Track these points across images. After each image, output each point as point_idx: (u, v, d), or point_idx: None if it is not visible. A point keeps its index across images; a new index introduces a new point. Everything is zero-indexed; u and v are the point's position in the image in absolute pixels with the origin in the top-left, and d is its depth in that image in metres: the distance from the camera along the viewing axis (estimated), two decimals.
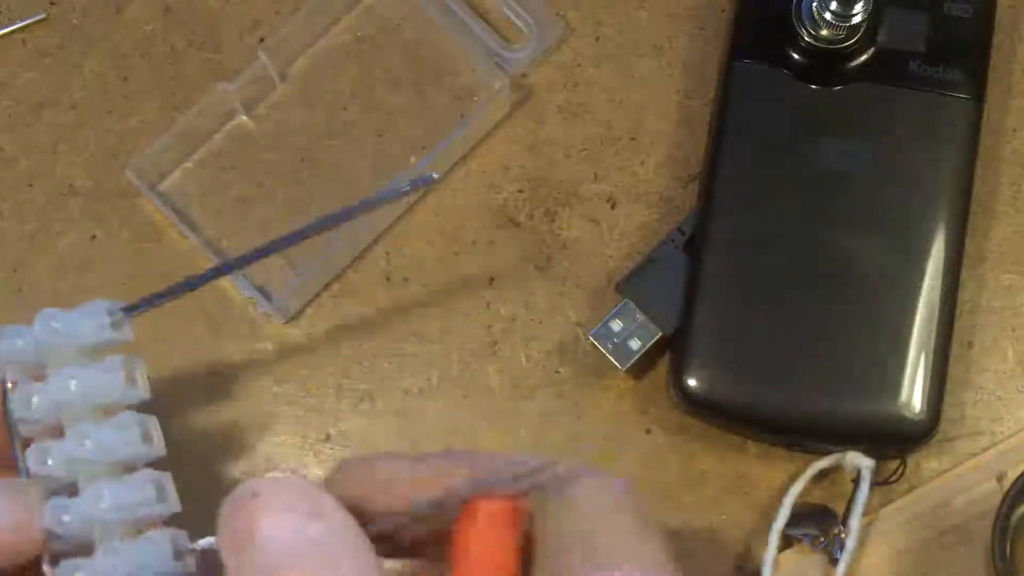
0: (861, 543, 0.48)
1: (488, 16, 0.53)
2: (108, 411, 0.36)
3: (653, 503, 0.49)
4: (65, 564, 0.34)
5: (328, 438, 0.50)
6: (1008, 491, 0.47)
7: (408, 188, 0.39)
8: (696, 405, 0.48)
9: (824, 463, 0.48)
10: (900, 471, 0.48)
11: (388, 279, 0.51)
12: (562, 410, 0.50)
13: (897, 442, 0.48)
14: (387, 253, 0.51)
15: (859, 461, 0.47)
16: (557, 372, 0.50)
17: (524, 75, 0.52)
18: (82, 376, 0.36)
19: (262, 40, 0.53)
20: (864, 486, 0.47)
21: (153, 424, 0.37)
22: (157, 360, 0.50)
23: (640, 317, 0.48)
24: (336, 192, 0.51)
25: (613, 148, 0.52)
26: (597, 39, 0.53)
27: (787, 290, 0.48)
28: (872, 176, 0.48)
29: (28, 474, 0.35)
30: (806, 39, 0.48)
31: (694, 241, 0.48)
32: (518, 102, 0.52)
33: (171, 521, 0.36)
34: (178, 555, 0.35)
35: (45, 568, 0.35)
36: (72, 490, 0.35)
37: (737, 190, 0.48)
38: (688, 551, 0.49)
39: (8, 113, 0.53)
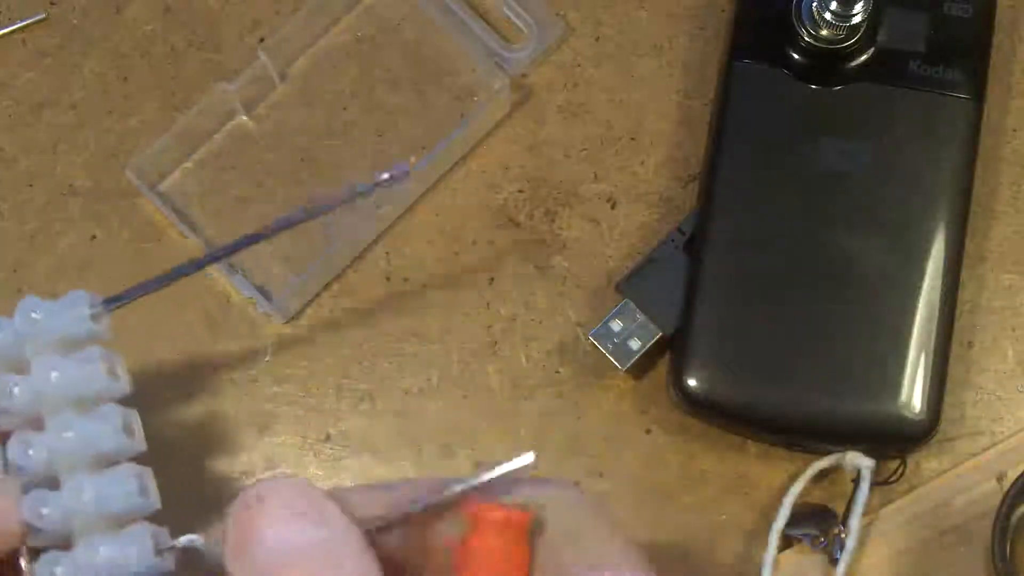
0: (861, 543, 0.48)
1: (488, 16, 0.53)
2: (89, 404, 0.36)
3: (653, 503, 0.49)
4: (45, 557, 0.34)
5: (328, 438, 0.50)
6: (1008, 491, 0.47)
7: (386, 179, 0.39)
8: (696, 405, 0.48)
9: (824, 463, 0.48)
10: (900, 471, 0.48)
11: (388, 279, 0.51)
12: (562, 410, 0.50)
13: (897, 442, 0.48)
14: (387, 253, 0.51)
15: (859, 461, 0.47)
16: (557, 372, 0.50)
17: (524, 75, 0.52)
18: (64, 367, 0.36)
19: (262, 40, 0.53)
20: (864, 486, 0.47)
21: (134, 418, 0.37)
22: (157, 360, 0.50)
23: (640, 317, 0.48)
24: (336, 192, 0.51)
25: (613, 148, 0.52)
26: (597, 39, 0.53)
27: (787, 290, 0.48)
28: (872, 176, 0.48)
29: (6, 467, 0.35)
30: (806, 39, 0.48)
31: (694, 241, 0.48)
32: (518, 102, 0.52)
33: (155, 518, 0.35)
34: (158, 552, 0.34)
35: (22, 563, 0.34)
36: (52, 484, 0.35)
37: (737, 190, 0.48)
38: (688, 551, 0.49)
39: (8, 113, 0.53)
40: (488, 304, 0.51)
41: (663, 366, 0.49)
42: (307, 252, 0.51)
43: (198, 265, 0.40)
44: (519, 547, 0.31)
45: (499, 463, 0.32)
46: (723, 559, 0.49)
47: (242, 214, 0.51)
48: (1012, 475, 0.48)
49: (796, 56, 0.49)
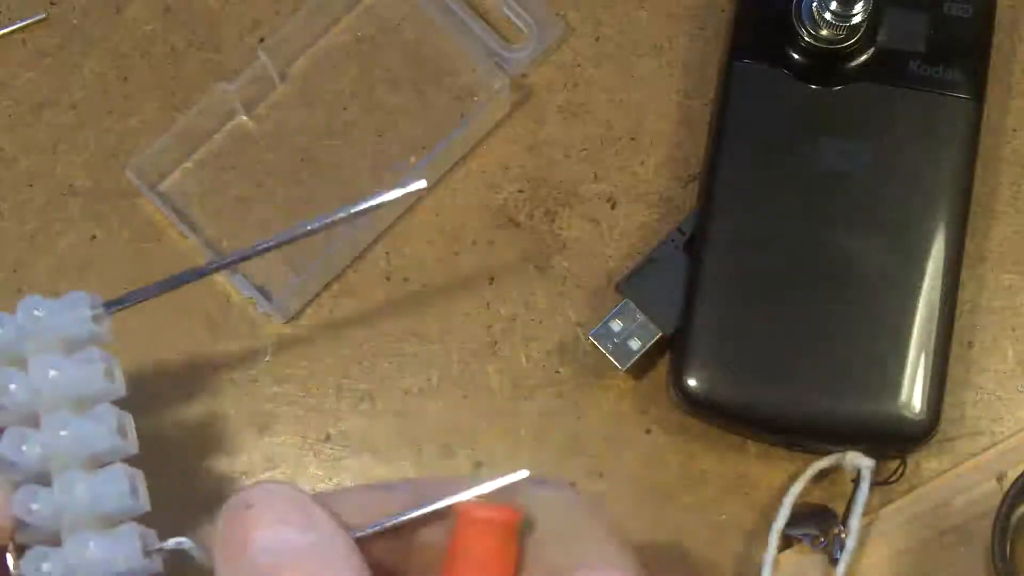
0: (861, 543, 0.48)
1: (488, 16, 0.53)
2: (86, 404, 0.36)
3: (653, 503, 0.49)
4: (31, 553, 0.34)
5: (328, 438, 0.50)
6: (1008, 491, 0.47)
7: (398, 195, 0.39)
8: (696, 405, 0.48)
9: (824, 463, 0.48)
10: (900, 471, 0.48)
11: (388, 279, 0.51)
12: (562, 410, 0.50)
13: (897, 442, 0.48)
14: (387, 253, 0.51)
15: (859, 461, 0.47)
16: (557, 372, 0.50)
17: (524, 75, 0.52)
18: (62, 366, 0.36)
19: (262, 40, 0.53)
20: (864, 486, 0.47)
21: (128, 420, 0.37)
22: (157, 359, 0.50)
23: (640, 317, 0.48)
24: (336, 192, 0.51)
25: (613, 148, 0.52)
26: (597, 39, 0.53)
27: (787, 290, 0.48)
28: (872, 176, 0.48)
29: None
30: (806, 39, 0.48)
31: (694, 241, 0.48)
32: (518, 102, 0.52)
33: (153, 517, 0.35)
34: (146, 553, 0.34)
35: (9, 559, 0.34)
36: (44, 482, 0.35)
37: (737, 190, 0.48)
38: (688, 551, 0.49)
39: (8, 113, 0.53)
40: (488, 304, 0.51)
41: (663, 366, 0.49)
42: (307, 252, 0.51)
43: (201, 273, 0.40)
44: (506, 546, 0.31)
45: (493, 476, 0.32)
46: (723, 559, 0.49)
47: (242, 214, 0.51)
48: (1012, 475, 0.48)
49: (796, 56, 0.49)
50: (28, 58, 0.53)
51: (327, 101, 0.52)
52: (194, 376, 0.50)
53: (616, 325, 0.48)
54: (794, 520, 0.48)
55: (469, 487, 0.32)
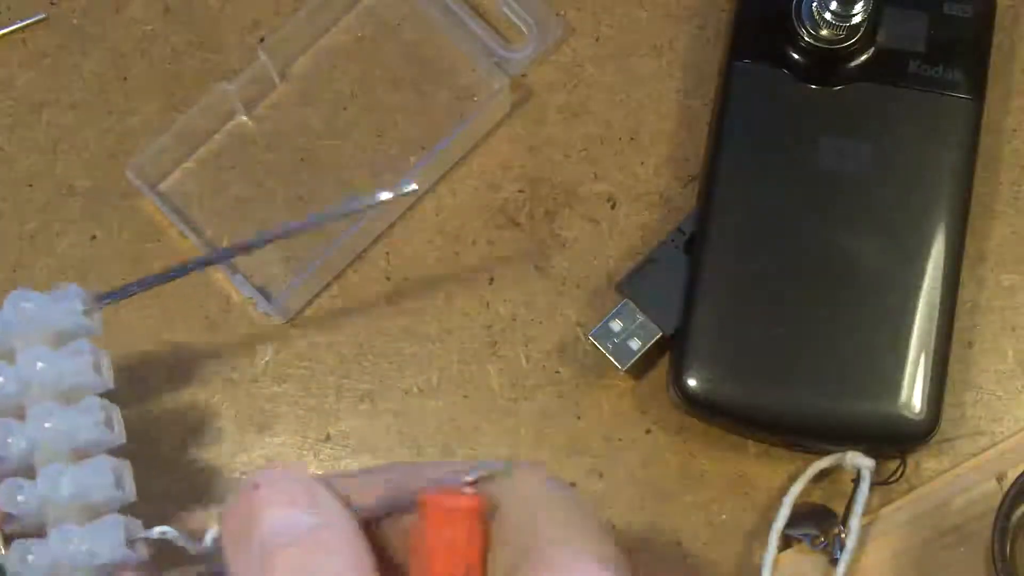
0: (861, 543, 0.48)
1: (488, 16, 0.53)
2: (73, 396, 0.36)
3: (653, 503, 0.49)
4: (17, 544, 0.34)
5: (328, 438, 0.50)
6: (1008, 491, 0.47)
7: (387, 198, 0.39)
8: (696, 405, 0.48)
9: (824, 463, 0.48)
10: (900, 471, 0.48)
11: (388, 279, 0.51)
12: (562, 410, 0.50)
13: (897, 442, 0.48)
14: (387, 253, 0.51)
15: (859, 461, 0.47)
16: (557, 372, 0.50)
17: (524, 75, 0.52)
18: (50, 358, 0.36)
19: (262, 40, 0.53)
20: (864, 486, 0.47)
21: (115, 412, 0.37)
22: (157, 359, 0.50)
23: (640, 317, 0.48)
24: (336, 192, 0.51)
25: (613, 148, 0.52)
26: (597, 39, 0.53)
27: (787, 290, 0.48)
28: (872, 176, 0.48)
29: None
30: (806, 39, 0.48)
31: (694, 241, 0.48)
32: (518, 102, 0.52)
33: (152, 514, 0.36)
34: (131, 542, 0.35)
35: None
36: (29, 474, 0.35)
37: (737, 190, 0.48)
38: (688, 551, 0.49)
39: (8, 113, 0.53)
40: (488, 304, 0.51)
41: (663, 366, 0.49)
42: (307, 252, 0.51)
43: (193, 266, 0.40)
44: (469, 532, 0.31)
45: (481, 463, 0.32)
46: (723, 559, 0.49)
47: (242, 214, 0.51)
48: (1012, 475, 0.48)
49: (796, 56, 0.49)
50: (28, 58, 0.53)
51: (327, 101, 0.52)
52: (194, 376, 0.50)
53: (616, 325, 0.48)
54: (794, 520, 0.48)
55: (448, 471, 0.32)
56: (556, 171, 0.52)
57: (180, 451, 0.50)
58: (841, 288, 0.47)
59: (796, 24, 0.48)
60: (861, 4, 0.47)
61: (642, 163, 0.52)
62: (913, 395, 0.47)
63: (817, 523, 0.48)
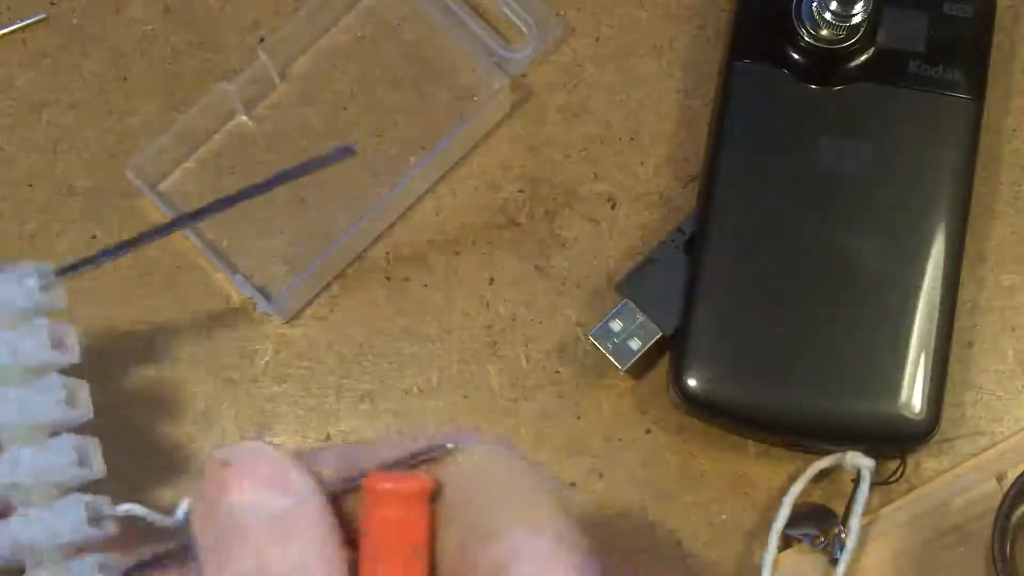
0: (861, 543, 0.48)
1: (488, 16, 0.53)
2: (32, 375, 0.36)
3: (653, 503, 0.49)
4: None
5: (328, 438, 0.50)
6: (1008, 491, 0.47)
7: (329, 159, 0.39)
8: (696, 405, 0.48)
9: (824, 463, 0.48)
10: (900, 471, 0.48)
11: (388, 279, 0.51)
12: (562, 410, 0.50)
13: (897, 442, 0.48)
14: (387, 253, 0.51)
15: (859, 461, 0.47)
16: (557, 372, 0.50)
17: (524, 75, 0.52)
18: (6, 339, 0.36)
19: (262, 40, 0.53)
20: (864, 486, 0.47)
21: (81, 388, 0.37)
22: (157, 359, 0.50)
23: (640, 317, 0.48)
24: (336, 192, 0.51)
25: (613, 148, 0.52)
26: (597, 39, 0.53)
27: (787, 290, 0.48)
28: (872, 176, 0.48)
29: None
30: (806, 39, 0.48)
31: (694, 241, 0.48)
32: (518, 102, 0.52)
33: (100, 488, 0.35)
34: (95, 521, 0.35)
35: None
36: None
37: (737, 190, 0.48)
38: (688, 551, 0.49)
39: (8, 113, 0.53)
40: (488, 304, 0.51)
41: (663, 366, 0.49)
42: (307, 252, 0.51)
43: (155, 234, 0.40)
44: (413, 514, 0.31)
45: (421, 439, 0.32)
46: (723, 559, 0.49)
47: (242, 214, 0.51)
48: (1012, 475, 0.48)
49: (796, 56, 0.49)
50: (28, 58, 0.53)
51: (327, 101, 0.52)
52: (194, 376, 0.50)
53: (616, 325, 0.48)
54: (794, 520, 0.48)
55: (400, 450, 0.32)
56: (556, 171, 0.52)
57: (179, 451, 0.50)
58: (841, 288, 0.47)
59: (796, 24, 0.48)
60: (861, 4, 0.47)
61: (642, 163, 0.52)
62: (913, 395, 0.47)
63: (817, 523, 0.48)
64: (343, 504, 0.33)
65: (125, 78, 0.53)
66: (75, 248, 0.51)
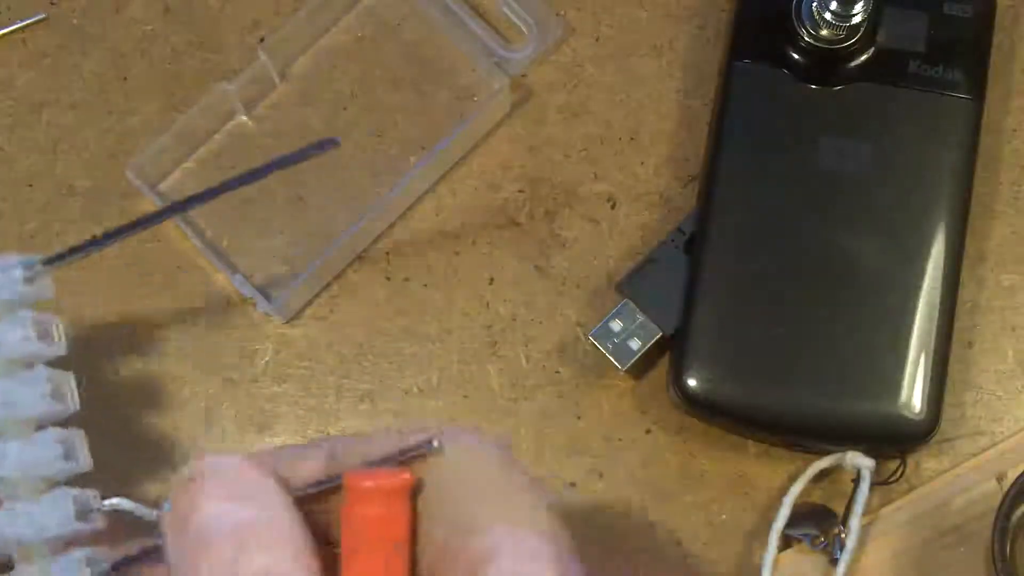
0: (861, 543, 0.48)
1: (488, 16, 0.53)
2: (18, 367, 0.36)
3: (653, 503, 0.49)
4: None
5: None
6: (1008, 491, 0.47)
7: (311, 152, 0.39)
8: (696, 405, 0.48)
9: (824, 463, 0.48)
10: (900, 471, 0.48)
11: (388, 279, 0.51)
12: (562, 410, 0.50)
13: (897, 442, 0.48)
14: (387, 253, 0.51)
15: (859, 461, 0.47)
16: (557, 372, 0.50)
17: (524, 75, 0.52)
18: None
19: (262, 40, 0.53)
20: (864, 486, 0.47)
21: (67, 381, 0.36)
22: (157, 359, 0.50)
23: (640, 317, 0.48)
24: (336, 192, 0.51)
25: (613, 148, 0.52)
26: (597, 39, 0.53)
27: (787, 290, 0.48)
28: (872, 176, 0.48)
29: None
30: (806, 39, 0.48)
31: (694, 241, 0.48)
32: (518, 102, 0.52)
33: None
34: (83, 514, 0.34)
35: None
36: None
37: (737, 190, 0.48)
38: (688, 551, 0.49)
39: (8, 113, 0.53)
40: (488, 304, 0.51)
41: (663, 366, 0.49)
42: (307, 252, 0.51)
43: (143, 223, 0.40)
44: (394, 511, 0.31)
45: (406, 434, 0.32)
46: (723, 559, 0.49)
47: (242, 214, 0.51)
48: (1012, 475, 0.48)
49: (796, 56, 0.49)
50: (28, 58, 0.53)
51: (327, 101, 0.52)
52: (194, 376, 0.50)
53: (616, 325, 0.48)
54: (794, 520, 0.48)
55: (384, 445, 0.32)
56: (556, 171, 0.52)
57: (179, 451, 0.50)
58: (841, 288, 0.47)
59: (796, 24, 0.48)
60: (861, 4, 0.47)
61: (642, 163, 0.52)
62: (913, 395, 0.47)
63: (817, 523, 0.48)
64: (326, 502, 0.33)
65: (125, 78, 0.53)
66: None
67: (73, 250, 0.38)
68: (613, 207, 0.51)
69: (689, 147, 0.52)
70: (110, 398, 0.50)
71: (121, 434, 0.49)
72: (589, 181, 0.52)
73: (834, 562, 0.47)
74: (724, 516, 0.49)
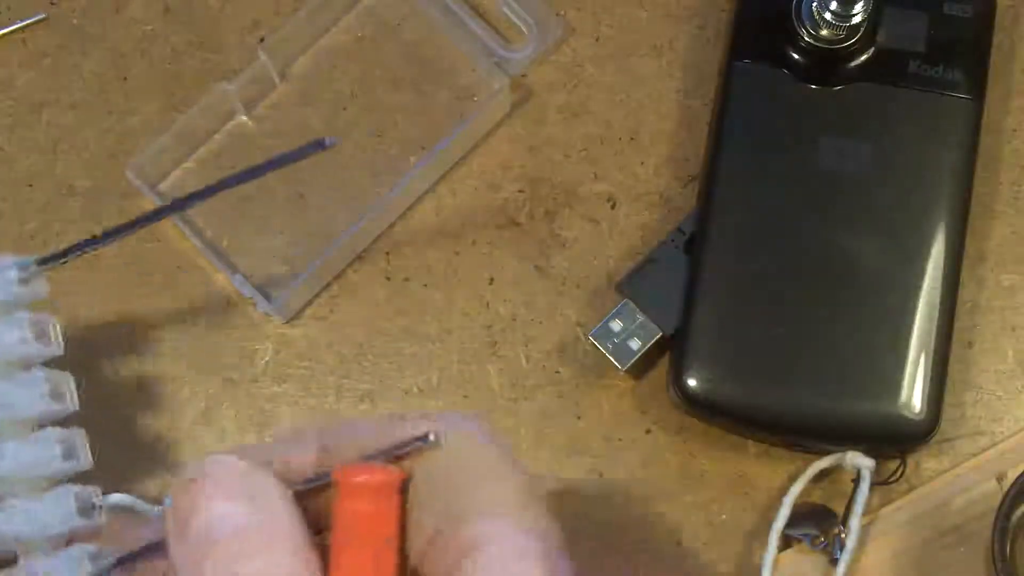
0: (861, 543, 0.48)
1: (488, 16, 0.53)
2: (15, 368, 0.36)
3: (653, 503, 0.49)
4: None
5: None
6: (1008, 491, 0.47)
7: (304, 152, 0.39)
8: (696, 405, 0.48)
9: (824, 463, 0.48)
10: (900, 471, 0.48)
11: (388, 279, 0.51)
12: (562, 410, 0.50)
13: (897, 442, 0.48)
14: (387, 253, 0.51)
15: (859, 461, 0.47)
16: (557, 372, 0.50)
17: (524, 75, 0.52)
18: None
19: (262, 40, 0.53)
20: (864, 486, 0.47)
21: (66, 381, 0.37)
22: (156, 360, 0.50)
23: (640, 317, 0.48)
24: (336, 192, 0.51)
25: (613, 148, 0.52)
26: (597, 39, 0.53)
27: (787, 290, 0.48)
28: (872, 176, 0.48)
29: None
30: (806, 39, 0.48)
31: (694, 241, 0.48)
32: (518, 102, 0.52)
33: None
34: (85, 511, 0.35)
35: None
36: None
37: (737, 190, 0.48)
38: (688, 551, 0.49)
39: (8, 113, 0.53)
40: (488, 304, 0.51)
41: (663, 366, 0.49)
42: (307, 252, 0.51)
43: (141, 222, 0.40)
44: (383, 506, 0.31)
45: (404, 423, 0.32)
46: (723, 559, 0.49)
47: (242, 214, 0.51)
48: (1012, 475, 0.48)
49: (796, 56, 0.49)
50: (28, 58, 0.53)
51: (327, 101, 0.52)
52: (193, 376, 0.50)
53: (616, 325, 0.48)
54: (794, 520, 0.48)
55: (377, 431, 0.32)
56: (556, 171, 0.52)
57: (178, 452, 0.50)
58: (841, 288, 0.47)
59: (796, 24, 0.48)
60: (861, 4, 0.47)
61: (642, 163, 0.52)
62: (913, 395, 0.47)
63: (817, 523, 0.48)
64: (317, 497, 0.33)
65: (125, 78, 0.53)
66: None
67: (68, 250, 0.38)
68: (613, 207, 0.51)
69: (689, 147, 0.52)
70: (109, 398, 0.50)
71: (121, 434, 0.49)
72: (589, 181, 0.52)
73: (834, 562, 0.47)
74: (724, 516, 0.49)
